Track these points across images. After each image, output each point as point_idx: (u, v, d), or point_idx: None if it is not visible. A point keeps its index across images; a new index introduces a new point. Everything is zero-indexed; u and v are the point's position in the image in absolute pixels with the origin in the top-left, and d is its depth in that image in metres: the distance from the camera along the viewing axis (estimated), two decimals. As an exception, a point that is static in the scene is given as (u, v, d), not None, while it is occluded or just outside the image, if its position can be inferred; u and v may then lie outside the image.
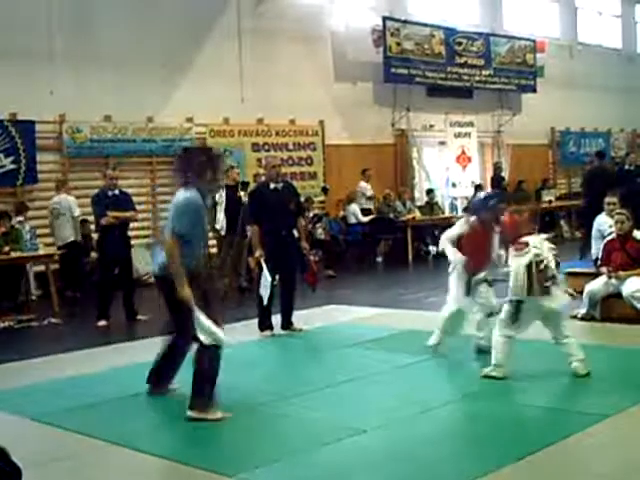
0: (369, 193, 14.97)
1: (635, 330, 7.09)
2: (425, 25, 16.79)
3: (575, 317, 7.73)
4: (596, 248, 8.45)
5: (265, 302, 7.59)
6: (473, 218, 6.38)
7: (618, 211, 7.93)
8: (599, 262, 7.96)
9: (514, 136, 18.40)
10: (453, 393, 5.37)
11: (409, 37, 16.33)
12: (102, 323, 8.88)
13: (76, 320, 9.53)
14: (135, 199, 9.89)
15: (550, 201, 17.85)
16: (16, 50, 11.38)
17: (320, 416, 4.99)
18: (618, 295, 7.54)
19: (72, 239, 11.08)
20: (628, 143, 21.65)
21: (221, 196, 10.79)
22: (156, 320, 8.97)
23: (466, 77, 17.56)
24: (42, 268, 10.61)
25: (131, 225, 9.70)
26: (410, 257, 13.73)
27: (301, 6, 14.80)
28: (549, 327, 5.63)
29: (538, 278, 5.35)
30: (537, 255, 5.36)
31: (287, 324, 7.86)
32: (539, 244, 5.45)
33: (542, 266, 5.36)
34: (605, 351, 6.47)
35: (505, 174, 17.91)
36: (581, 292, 7.84)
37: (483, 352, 6.08)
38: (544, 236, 5.63)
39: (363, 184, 14.96)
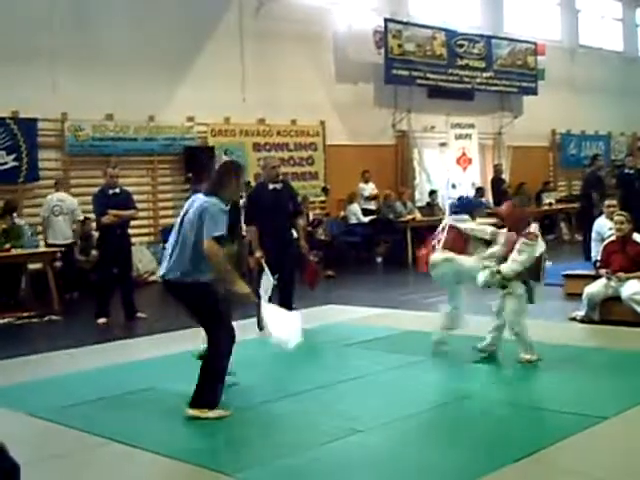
0: (367, 193, 15.00)
1: (634, 333, 7.09)
2: (427, 27, 16.81)
3: (574, 319, 7.75)
4: (595, 251, 8.46)
5: (264, 302, 7.58)
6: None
7: (618, 213, 7.94)
8: (599, 264, 7.97)
9: (515, 138, 18.42)
10: (451, 394, 5.38)
11: (410, 39, 16.35)
12: (102, 321, 8.90)
13: (76, 317, 9.54)
14: (136, 198, 9.92)
15: (550, 203, 17.85)
16: (18, 48, 11.40)
17: (318, 416, 5.00)
18: (617, 298, 7.55)
19: (72, 240, 11.06)
20: (629, 146, 21.66)
21: None
22: (155, 318, 9.03)
23: (467, 79, 17.58)
24: (38, 265, 10.56)
25: (131, 223, 9.72)
26: (410, 258, 13.73)
27: (303, 7, 14.83)
28: None
29: (543, 268, 5.88)
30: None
31: (286, 324, 7.87)
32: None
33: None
34: (604, 353, 6.49)
35: (505, 176, 17.94)
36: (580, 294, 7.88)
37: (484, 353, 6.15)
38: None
39: (362, 185, 14.99)
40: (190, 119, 13.36)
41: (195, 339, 7.45)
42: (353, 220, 14.61)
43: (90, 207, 9.84)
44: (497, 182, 17.57)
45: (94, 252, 10.62)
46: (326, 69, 15.44)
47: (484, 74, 17.91)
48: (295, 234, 8.23)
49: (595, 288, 7.70)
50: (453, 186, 16.95)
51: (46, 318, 9.21)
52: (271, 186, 7.83)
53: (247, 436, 4.71)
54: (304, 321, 7.92)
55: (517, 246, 5.85)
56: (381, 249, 14.74)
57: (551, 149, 20.37)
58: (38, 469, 4.07)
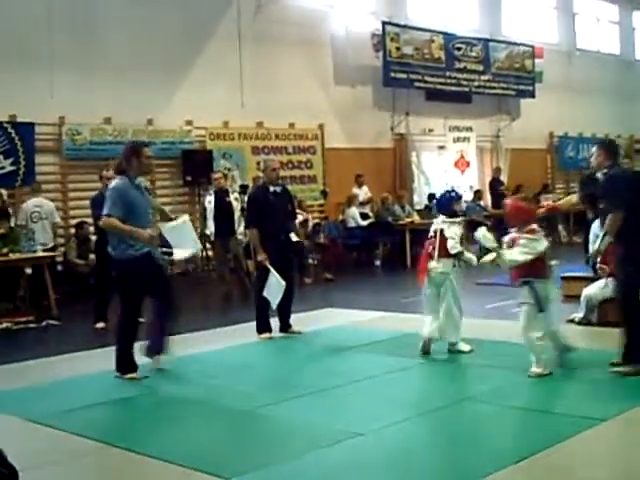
0: (361, 198, 14.98)
1: (632, 335, 7.08)
2: (425, 30, 16.84)
3: (572, 321, 7.75)
4: (593, 252, 8.46)
5: (274, 306, 7.61)
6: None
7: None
8: (598, 265, 7.96)
9: (513, 141, 18.45)
10: (450, 396, 5.38)
11: (408, 42, 16.37)
12: (100, 325, 8.88)
13: (74, 322, 9.53)
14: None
15: (548, 206, 17.84)
16: (16, 52, 11.40)
17: (318, 419, 4.99)
18: (615, 299, 7.53)
19: (51, 244, 11.03)
20: (625, 148, 21.68)
21: (210, 202, 10.82)
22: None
23: (465, 82, 17.61)
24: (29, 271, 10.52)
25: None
26: (409, 261, 13.74)
27: (301, 10, 14.85)
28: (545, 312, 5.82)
29: (549, 265, 5.89)
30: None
31: (285, 327, 7.88)
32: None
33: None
34: (602, 355, 6.48)
35: (504, 179, 17.96)
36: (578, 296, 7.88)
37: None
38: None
39: (355, 190, 14.98)
40: (188, 123, 13.36)
41: (194, 343, 7.48)
42: (352, 223, 14.62)
43: (88, 211, 9.84)
44: (495, 185, 17.59)
45: (92, 256, 10.61)
46: (324, 72, 15.45)
47: (482, 77, 17.94)
48: (295, 238, 8.27)
49: (593, 290, 7.71)
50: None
51: (44, 323, 9.19)
52: (272, 188, 7.84)
53: (246, 439, 4.70)
54: (303, 324, 7.98)
55: (520, 241, 5.82)
56: (380, 252, 14.74)
57: (549, 152, 20.40)
58: (37, 475, 4.06)
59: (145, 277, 6.12)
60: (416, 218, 15.11)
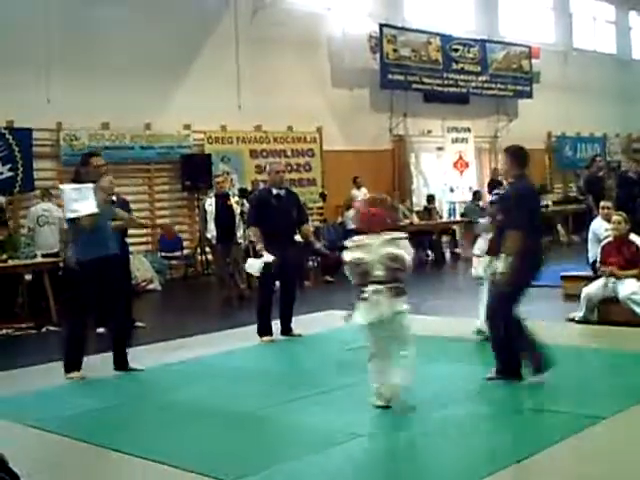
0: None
1: (632, 333, 7.09)
2: (422, 32, 16.87)
3: (572, 320, 7.75)
4: (592, 251, 8.48)
5: (257, 273, 7.57)
6: None
7: (616, 213, 7.97)
8: (598, 264, 7.98)
9: (511, 141, 18.27)
10: (449, 397, 5.37)
11: (406, 44, 16.40)
12: (100, 330, 8.86)
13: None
14: (133, 206, 9.86)
15: (547, 206, 17.87)
16: (13, 58, 11.41)
17: (317, 421, 4.98)
18: (615, 298, 7.55)
19: (56, 249, 11.02)
20: (623, 148, 21.72)
21: (210, 205, 10.77)
22: (154, 327, 9.01)
23: (463, 83, 17.63)
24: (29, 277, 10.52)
25: (129, 232, 9.67)
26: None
27: (298, 13, 14.87)
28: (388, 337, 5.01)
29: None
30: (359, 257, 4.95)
31: (286, 330, 7.87)
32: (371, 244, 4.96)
33: (363, 267, 4.93)
34: (601, 354, 6.49)
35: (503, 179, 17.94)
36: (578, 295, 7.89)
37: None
38: (388, 237, 4.98)
39: (354, 192, 14.96)
40: (186, 127, 13.37)
41: (195, 346, 7.48)
42: (351, 226, 14.59)
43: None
44: (494, 185, 17.56)
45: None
46: (322, 75, 15.47)
47: (479, 78, 17.96)
48: (299, 238, 8.22)
49: (593, 289, 7.71)
50: (451, 190, 16.98)
51: (44, 329, 9.18)
52: (275, 191, 7.80)
53: (246, 441, 4.69)
54: (304, 327, 7.97)
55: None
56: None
57: (547, 152, 20.42)
58: None
59: (98, 281, 6.37)
60: (415, 220, 15.12)
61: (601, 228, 8.47)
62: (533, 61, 19.24)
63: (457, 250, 15.63)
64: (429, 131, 17.22)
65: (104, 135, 12.41)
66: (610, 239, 7.87)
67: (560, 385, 5.51)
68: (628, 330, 7.19)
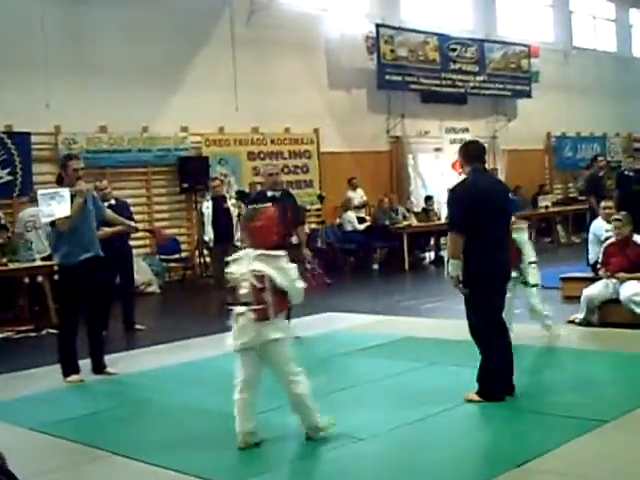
0: (356, 202, 14.95)
1: (633, 335, 7.07)
2: (419, 32, 16.84)
3: (573, 322, 7.72)
4: (593, 252, 8.45)
5: None
6: None
7: (616, 216, 7.89)
8: (599, 265, 7.93)
9: (509, 142, 18.43)
10: (451, 400, 5.34)
11: (403, 44, 16.38)
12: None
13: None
14: (131, 209, 9.86)
15: (547, 207, 17.85)
16: (11, 62, 11.40)
17: (318, 425, 4.96)
18: (616, 300, 7.51)
19: (47, 253, 10.99)
20: (624, 147, 21.68)
21: (207, 208, 10.75)
22: (153, 329, 9.00)
23: (460, 83, 17.60)
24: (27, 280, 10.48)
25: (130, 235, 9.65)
26: (407, 264, 13.72)
27: (295, 14, 14.85)
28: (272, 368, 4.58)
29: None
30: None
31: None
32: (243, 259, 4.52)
33: (233, 283, 4.55)
34: (603, 356, 6.47)
35: (501, 179, 17.91)
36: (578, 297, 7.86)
37: None
38: (259, 253, 4.48)
39: (350, 194, 14.95)
40: (184, 129, 13.35)
41: (192, 349, 7.46)
42: (349, 228, 14.59)
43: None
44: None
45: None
46: (319, 76, 15.44)
47: (477, 78, 17.93)
48: (296, 240, 8.20)
49: (593, 291, 7.66)
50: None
51: (44, 332, 9.17)
52: (270, 193, 7.80)
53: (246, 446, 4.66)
54: (302, 329, 7.94)
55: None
56: (377, 256, 14.71)
57: (546, 152, 20.38)
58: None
59: (81, 285, 6.43)
60: (413, 221, 15.09)
61: (601, 229, 8.43)
62: (532, 60, 19.18)
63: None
64: (427, 132, 17.20)
65: (102, 138, 12.40)
66: (612, 240, 7.80)
67: (561, 388, 5.49)
68: (629, 332, 7.16)
